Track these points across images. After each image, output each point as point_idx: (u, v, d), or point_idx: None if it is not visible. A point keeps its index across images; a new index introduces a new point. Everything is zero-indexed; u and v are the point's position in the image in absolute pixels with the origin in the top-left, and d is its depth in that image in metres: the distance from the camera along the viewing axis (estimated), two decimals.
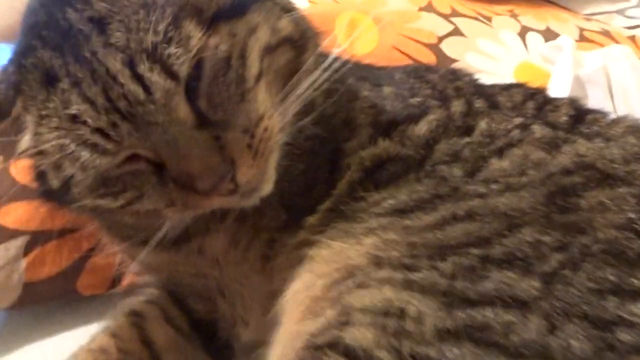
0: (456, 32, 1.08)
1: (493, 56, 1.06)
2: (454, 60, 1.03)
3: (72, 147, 0.49)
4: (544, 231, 0.50)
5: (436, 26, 1.07)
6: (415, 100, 0.70)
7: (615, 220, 0.49)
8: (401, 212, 0.57)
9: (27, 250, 0.73)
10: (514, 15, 1.19)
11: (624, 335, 0.43)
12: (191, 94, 0.51)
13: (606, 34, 1.20)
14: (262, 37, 0.55)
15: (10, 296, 0.74)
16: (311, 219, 0.61)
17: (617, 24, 1.31)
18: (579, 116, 0.67)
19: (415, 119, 0.66)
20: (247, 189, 0.54)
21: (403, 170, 0.62)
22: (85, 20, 0.50)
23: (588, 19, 1.29)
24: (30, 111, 0.51)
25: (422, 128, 0.65)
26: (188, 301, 0.73)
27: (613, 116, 0.68)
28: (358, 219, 0.58)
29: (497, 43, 1.08)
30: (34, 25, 0.53)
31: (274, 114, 0.56)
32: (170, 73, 0.49)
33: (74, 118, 0.49)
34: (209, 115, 0.52)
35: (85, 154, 0.49)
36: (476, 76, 0.80)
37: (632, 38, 1.21)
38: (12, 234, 0.73)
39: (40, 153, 0.52)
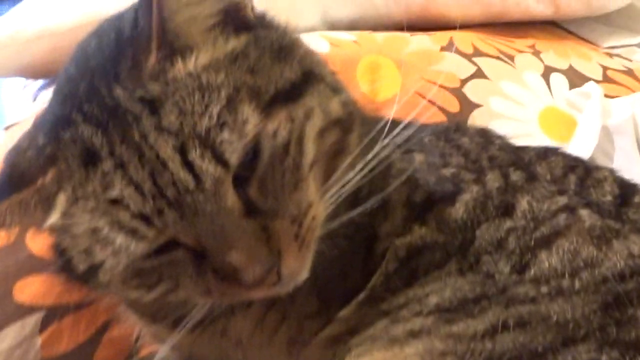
0: (479, 74, 1.04)
1: (517, 100, 1.03)
2: (478, 105, 1.00)
3: (106, 230, 0.46)
4: (601, 349, 0.47)
5: (459, 68, 1.03)
6: (448, 171, 0.67)
7: None
8: (446, 311, 0.54)
9: (43, 326, 0.70)
10: (536, 53, 1.15)
11: None
12: (240, 181, 0.48)
13: (630, 72, 1.17)
14: (317, 121, 0.53)
15: None
16: (345, 312, 0.58)
17: (638, 58, 1.28)
18: (625, 196, 0.64)
19: (450, 197, 0.62)
20: (290, 279, 0.52)
21: (443, 258, 0.59)
22: (135, 100, 0.46)
23: (609, 54, 1.26)
24: (65, 189, 0.48)
25: (459, 210, 0.61)
26: None
27: None
28: (398, 317, 0.55)
29: (522, 86, 1.05)
30: (73, 95, 0.50)
31: (320, 202, 0.54)
32: (221, 160, 0.46)
33: (114, 202, 0.46)
34: (258, 203, 0.49)
35: (120, 239, 0.46)
36: (508, 138, 0.78)
37: None
38: (28, 310, 0.70)
39: (67, 232, 0.49)
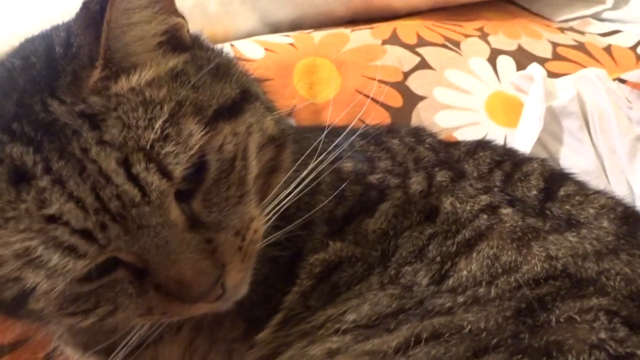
0: (423, 64, 1.02)
1: (463, 89, 1.01)
2: (422, 97, 0.98)
3: (40, 250, 0.45)
4: (511, 358, 0.46)
5: (401, 61, 1.01)
6: (374, 177, 0.66)
7: (587, 341, 0.46)
8: (364, 327, 0.54)
9: None
10: (484, 36, 1.13)
11: None
12: (184, 195, 0.48)
13: (581, 47, 1.15)
14: (256, 137, 0.54)
15: None
16: (262, 335, 0.57)
17: (593, 30, 1.26)
18: (550, 189, 0.63)
19: (372, 207, 0.62)
20: (233, 293, 0.52)
21: (364, 271, 0.58)
22: (74, 115, 0.46)
23: (562, 29, 1.23)
24: None
25: (377, 220, 0.61)
26: None
27: (587, 188, 0.64)
28: (317, 337, 0.55)
29: (467, 73, 1.03)
30: None
31: (261, 216, 0.54)
32: (165, 173, 0.46)
33: (51, 219, 0.45)
34: (202, 216, 0.49)
35: (55, 258, 0.45)
36: (439, 136, 0.76)
37: (608, 49, 1.17)
38: None
39: None
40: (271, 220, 0.55)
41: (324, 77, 0.95)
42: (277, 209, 0.56)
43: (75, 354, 0.66)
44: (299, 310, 0.57)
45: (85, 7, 0.48)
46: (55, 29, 0.53)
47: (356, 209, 0.62)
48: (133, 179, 0.45)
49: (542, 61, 1.07)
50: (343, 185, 0.63)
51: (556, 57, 1.11)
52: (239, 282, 0.52)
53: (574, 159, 0.93)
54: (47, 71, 0.48)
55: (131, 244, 0.46)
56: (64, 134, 0.45)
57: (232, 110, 0.52)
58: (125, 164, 0.45)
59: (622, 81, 1.01)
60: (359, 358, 0.51)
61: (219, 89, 0.52)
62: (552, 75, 1.04)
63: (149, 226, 0.46)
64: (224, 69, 0.55)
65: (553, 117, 0.94)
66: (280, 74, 0.93)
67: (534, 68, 1.00)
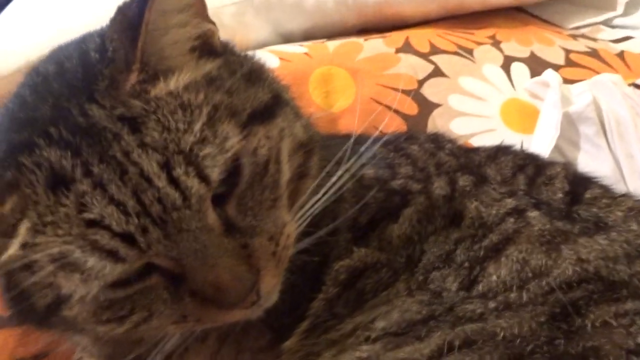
0: (437, 72, 1.02)
1: (478, 96, 1.01)
2: (437, 105, 0.98)
3: (78, 254, 0.45)
4: None
5: (416, 69, 1.01)
6: (396, 183, 0.65)
7: (624, 346, 0.45)
8: (394, 335, 0.53)
9: None
10: (496, 43, 1.13)
11: None
12: (218, 198, 0.48)
13: (594, 54, 1.15)
14: (288, 142, 0.55)
15: None
16: (288, 343, 0.56)
17: (604, 36, 1.26)
18: (576, 192, 0.62)
19: (394, 213, 0.61)
20: (266, 299, 0.52)
21: (390, 278, 0.57)
22: (114, 118, 0.46)
23: (574, 36, 1.23)
24: (29, 216, 0.46)
25: (402, 225, 0.60)
26: None
27: (612, 191, 0.64)
28: (346, 345, 0.54)
29: (481, 80, 1.03)
30: (32, 120, 0.48)
31: (292, 222, 0.55)
32: (202, 176, 0.46)
33: (91, 223, 0.45)
34: (236, 221, 0.49)
35: (93, 262, 0.45)
36: (459, 142, 0.76)
37: (621, 55, 1.16)
38: None
39: (26, 267, 0.47)
40: (302, 227, 0.55)
41: (340, 85, 0.95)
42: (307, 215, 0.56)
43: None
44: (326, 318, 0.56)
45: (120, 11, 0.49)
46: (88, 35, 0.54)
47: (379, 215, 0.62)
48: (173, 182, 0.45)
49: (555, 68, 1.07)
50: (368, 193, 0.63)
51: (569, 63, 1.11)
52: (272, 287, 0.52)
53: (592, 165, 0.92)
54: (83, 75, 0.48)
55: (170, 249, 0.46)
56: (104, 138, 0.46)
57: (265, 114, 0.53)
58: (167, 167, 0.45)
59: (638, 87, 1.01)
60: None
61: (253, 93, 0.53)
62: (566, 81, 1.03)
63: (189, 230, 0.46)
64: (257, 73, 0.56)
65: (569, 123, 0.94)
66: (295, 83, 0.93)
67: (549, 74, 0.99)
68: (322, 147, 0.64)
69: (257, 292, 0.50)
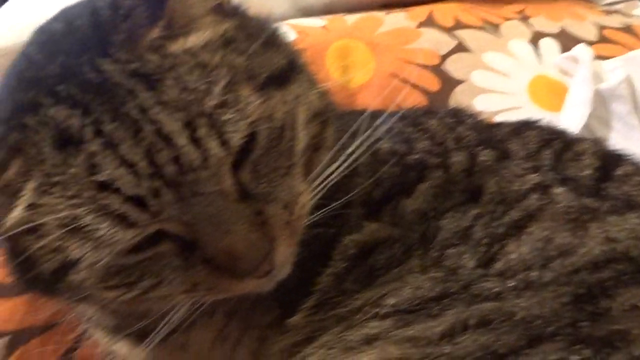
0: (460, 47, 0.98)
1: (503, 72, 0.96)
2: (460, 81, 0.94)
3: (88, 219, 0.43)
4: (571, 349, 0.42)
5: (438, 44, 0.97)
6: (412, 158, 0.62)
7: None
8: (405, 312, 0.50)
9: (9, 351, 0.68)
10: (525, 18, 1.08)
11: None
12: (234, 164, 0.46)
13: (628, 29, 1.09)
14: (304, 109, 0.53)
15: None
16: (295, 319, 0.54)
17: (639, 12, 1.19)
18: (606, 169, 0.58)
19: (409, 188, 0.58)
20: (280, 270, 0.50)
21: (403, 254, 0.55)
22: (127, 74, 0.44)
23: (607, 12, 1.17)
24: (34, 177, 0.44)
25: (416, 200, 0.57)
26: None
27: None
28: (354, 322, 0.51)
29: (507, 55, 0.98)
30: (38, 79, 0.46)
31: (307, 191, 0.53)
32: (224, 140, 0.44)
33: (102, 185, 0.43)
34: (250, 187, 0.48)
35: (104, 228, 0.43)
36: (480, 117, 0.72)
37: None
38: None
39: (32, 230, 0.45)
40: (315, 198, 0.53)
41: (358, 59, 0.92)
42: (321, 186, 0.54)
43: (104, 337, 0.64)
44: (334, 294, 0.54)
45: None
46: None
47: (394, 190, 0.59)
48: (195, 142, 0.43)
49: (587, 44, 1.02)
50: (383, 167, 0.60)
51: (602, 39, 1.05)
52: (286, 258, 0.50)
53: (624, 144, 0.86)
54: (94, 32, 0.46)
55: (183, 213, 0.44)
56: (117, 95, 0.44)
57: (281, 79, 0.51)
58: (189, 127, 0.43)
59: None
60: (400, 344, 0.47)
61: (269, 57, 0.51)
62: (598, 58, 0.99)
63: (204, 194, 0.44)
64: (272, 38, 0.54)
65: (601, 101, 0.89)
66: (312, 57, 0.90)
67: (580, 49, 0.94)
68: (338, 117, 0.61)
69: (270, 262, 0.48)
